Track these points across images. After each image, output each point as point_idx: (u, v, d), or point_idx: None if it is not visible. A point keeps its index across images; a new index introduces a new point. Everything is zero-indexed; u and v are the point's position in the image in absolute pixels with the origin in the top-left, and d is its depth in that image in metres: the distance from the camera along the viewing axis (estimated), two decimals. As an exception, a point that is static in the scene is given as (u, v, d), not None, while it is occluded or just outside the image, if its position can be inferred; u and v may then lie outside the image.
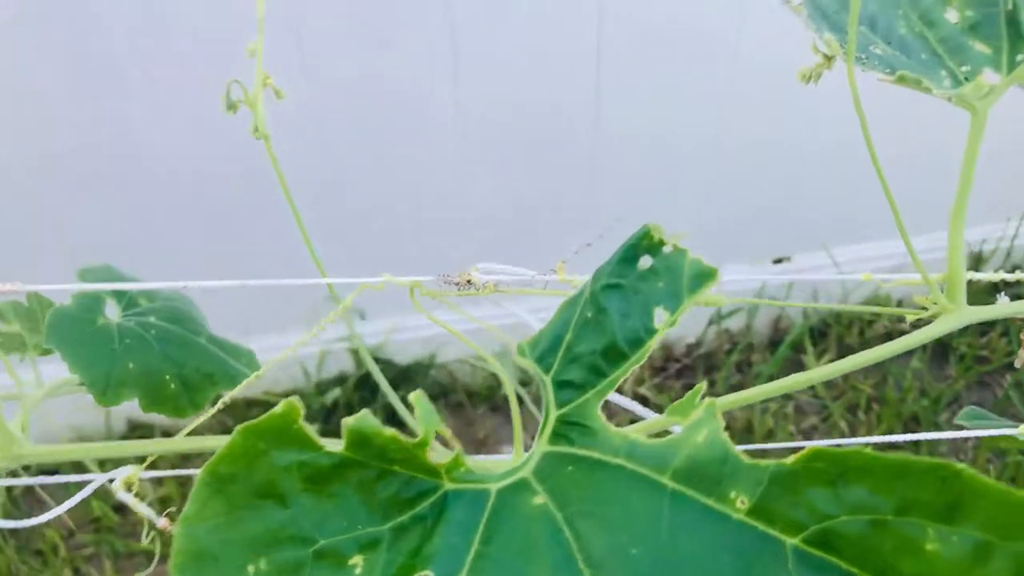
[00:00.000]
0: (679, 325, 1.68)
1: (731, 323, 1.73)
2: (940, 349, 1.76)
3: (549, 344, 0.40)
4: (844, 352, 1.74)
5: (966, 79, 0.45)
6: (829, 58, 0.44)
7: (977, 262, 1.75)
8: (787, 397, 1.70)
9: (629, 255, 0.39)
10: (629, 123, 1.46)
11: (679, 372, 1.74)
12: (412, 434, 0.38)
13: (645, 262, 0.39)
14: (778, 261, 1.69)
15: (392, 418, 1.73)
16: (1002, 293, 0.51)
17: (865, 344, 1.74)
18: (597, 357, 0.38)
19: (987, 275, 0.52)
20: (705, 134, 1.47)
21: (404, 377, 1.69)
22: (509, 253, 1.42)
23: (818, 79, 0.47)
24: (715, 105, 1.46)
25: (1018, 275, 0.53)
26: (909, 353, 1.74)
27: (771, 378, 1.71)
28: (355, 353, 1.66)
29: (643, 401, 1.71)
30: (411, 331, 1.66)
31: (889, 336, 1.76)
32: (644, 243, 0.39)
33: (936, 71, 0.45)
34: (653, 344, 0.39)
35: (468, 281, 0.51)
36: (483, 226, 1.56)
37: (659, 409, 1.68)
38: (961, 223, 0.46)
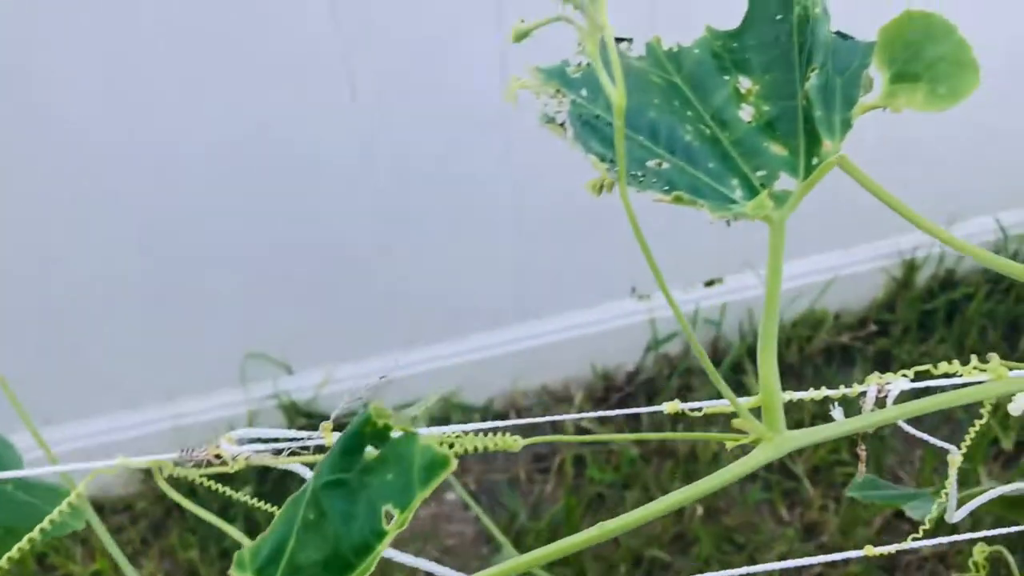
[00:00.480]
0: (618, 352, 1.63)
1: (669, 348, 1.69)
2: (881, 357, 1.72)
3: (270, 553, 0.35)
4: (784, 371, 1.70)
5: (762, 185, 0.41)
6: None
7: (911, 270, 1.71)
8: (729, 418, 1.66)
9: (352, 445, 0.35)
10: (542, 181, 1.42)
11: (621, 401, 1.70)
12: None
13: (371, 452, 0.34)
14: (710, 284, 1.65)
15: (330, 471, 1.68)
16: (835, 406, 0.47)
17: (806, 361, 1.70)
18: (319, 570, 0.34)
19: (806, 393, 0.48)
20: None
21: (339, 429, 1.64)
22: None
23: (611, 189, 0.42)
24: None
25: (824, 392, 0.49)
26: (851, 365, 1.71)
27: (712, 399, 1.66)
28: (287, 409, 1.60)
29: (584, 433, 1.66)
30: (345, 381, 1.61)
31: (828, 350, 1.72)
32: (368, 430, 0.34)
33: (727, 180, 0.40)
34: (384, 547, 0.34)
35: (217, 456, 0.46)
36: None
37: (601, 442, 1.64)
38: (772, 344, 0.41)
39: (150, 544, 1.61)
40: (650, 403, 1.69)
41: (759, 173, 0.41)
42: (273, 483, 1.62)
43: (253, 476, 1.61)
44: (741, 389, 1.69)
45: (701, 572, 1.55)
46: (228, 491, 0.62)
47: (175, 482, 1.56)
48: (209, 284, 1.46)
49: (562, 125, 0.39)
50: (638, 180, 0.39)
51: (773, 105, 0.42)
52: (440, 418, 1.68)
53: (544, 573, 0.68)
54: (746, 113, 0.43)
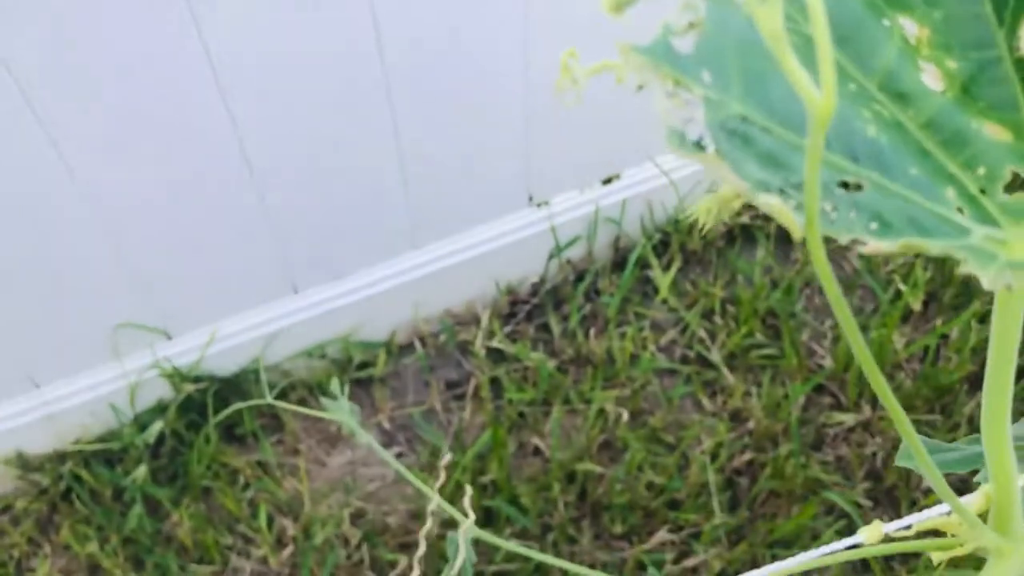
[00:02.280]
0: (520, 264, 1.48)
1: (571, 253, 1.55)
2: (782, 234, 1.63)
3: None
4: (688, 259, 1.60)
5: (982, 192, 0.26)
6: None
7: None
8: (641, 316, 1.55)
9: None
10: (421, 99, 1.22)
11: (529, 314, 1.56)
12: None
13: None
14: (608, 181, 1.51)
15: (229, 434, 1.50)
16: None
17: (709, 246, 1.60)
18: None
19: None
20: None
21: (232, 389, 1.45)
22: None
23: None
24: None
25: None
26: (754, 244, 1.62)
27: (624, 300, 1.55)
28: (171, 377, 1.40)
29: (498, 355, 1.53)
30: (229, 339, 1.41)
31: (730, 233, 1.62)
32: None
33: (937, 191, 0.25)
34: None
35: None
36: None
37: (516, 359, 1.51)
38: (1003, 423, 0.27)
39: (39, 544, 1.40)
40: (557, 310, 1.56)
41: (978, 172, 0.26)
42: (168, 458, 1.43)
43: (147, 455, 1.41)
44: (648, 284, 1.58)
45: (635, 478, 1.47)
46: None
47: (56, 473, 1.34)
48: (62, 254, 1.22)
49: (699, 144, 0.23)
50: (830, 220, 0.23)
51: (961, 59, 0.27)
52: (343, 359, 1.50)
53: None
54: (930, 77, 0.27)
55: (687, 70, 0.24)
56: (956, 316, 1.49)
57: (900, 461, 0.60)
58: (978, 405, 1.24)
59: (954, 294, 1.52)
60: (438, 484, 0.74)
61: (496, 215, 1.45)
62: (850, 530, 1.36)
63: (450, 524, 1.41)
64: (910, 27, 0.28)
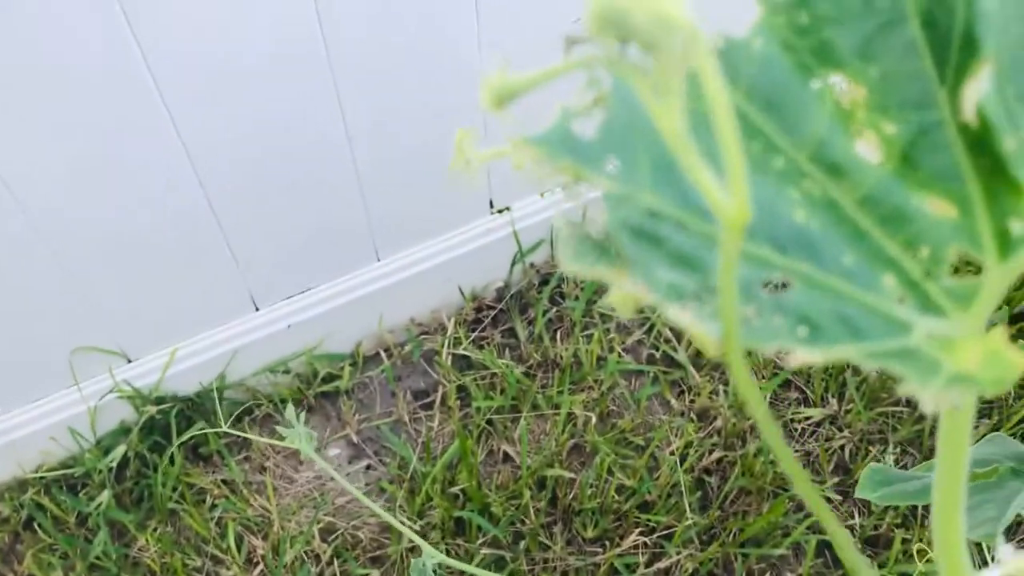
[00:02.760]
0: (483, 271, 1.45)
1: (534, 258, 1.52)
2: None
3: None
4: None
5: (927, 275, 0.23)
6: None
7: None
8: (606, 318, 1.53)
9: None
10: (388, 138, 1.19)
11: (495, 320, 1.53)
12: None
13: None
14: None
15: (195, 454, 1.46)
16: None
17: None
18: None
19: None
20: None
21: (196, 408, 1.41)
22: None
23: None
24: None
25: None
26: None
27: (589, 303, 1.53)
28: (132, 399, 1.36)
29: (465, 362, 1.50)
30: (191, 358, 1.37)
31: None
32: None
33: (875, 280, 0.22)
34: None
35: None
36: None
37: (482, 366, 1.48)
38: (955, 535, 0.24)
39: (2, 575, 1.36)
40: (523, 315, 1.53)
41: (921, 253, 0.23)
42: (132, 482, 1.39)
43: (110, 480, 1.37)
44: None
45: (606, 482, 1.44)
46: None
47: (17, 502, 1.30)
48: (12, 281, 1.18)
49: (604, 248, 0.20)
50: (752, 328, 0.20)
51: (900, 122, 0.24)
52: (308, 373, 1.47)
53: None
54: (866, 147, 0.24)
55: (589, 159, 0.21)
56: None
57: (860, 493, 0.58)
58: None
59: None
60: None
61: (457, 223, 1.42)
62: (820, 527, 1.35)
63: (422, 536, 1.38)
64: (844, 88, 0.25)
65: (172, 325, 1.33)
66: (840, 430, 1.44)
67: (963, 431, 0.22)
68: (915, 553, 1.33)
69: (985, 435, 0.58)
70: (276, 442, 0.85)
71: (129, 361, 1.34)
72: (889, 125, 0.24)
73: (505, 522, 1.37)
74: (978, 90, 0.23)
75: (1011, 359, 0.19)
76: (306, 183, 1.25)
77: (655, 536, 1.37)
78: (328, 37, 1.08)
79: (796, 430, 1.44)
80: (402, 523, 1.38)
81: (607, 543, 1.38)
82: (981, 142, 0.23)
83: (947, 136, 0.24)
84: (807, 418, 1.44)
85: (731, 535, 1.37)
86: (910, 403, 1.44)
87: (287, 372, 1.44)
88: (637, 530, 1.38)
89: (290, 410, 0.91)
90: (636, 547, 1.37)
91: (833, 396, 1.45)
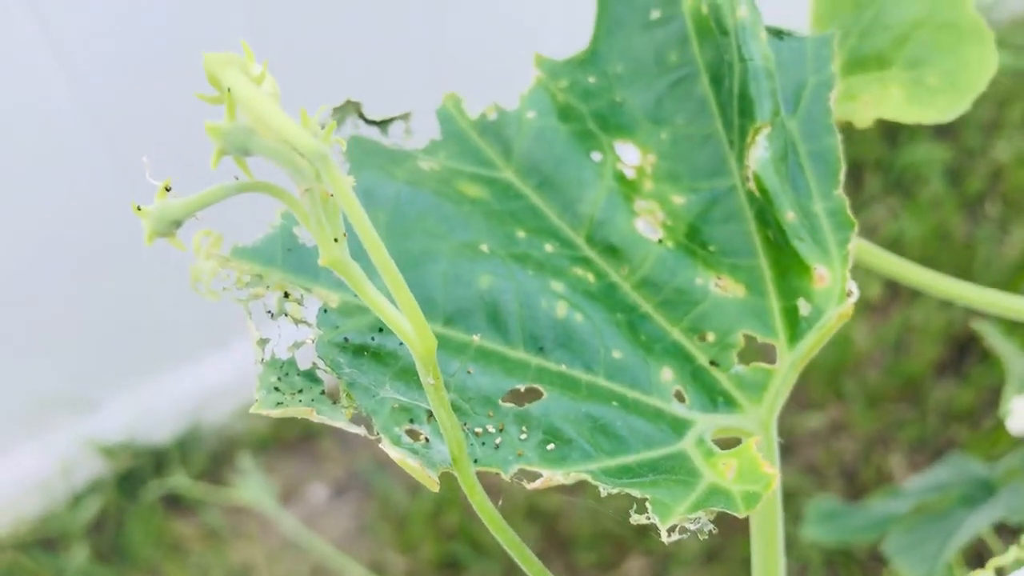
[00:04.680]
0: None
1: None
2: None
3: None
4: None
5: (714, 364, 0.21)
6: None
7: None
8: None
9: None
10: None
11: (475, 343, 1.52)
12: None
13: None
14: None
15: (173, 503, 1.45)
16: None
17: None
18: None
19: None
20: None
21: (172, 456, 1.40)
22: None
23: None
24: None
25: None
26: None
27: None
28: (105, 450, 1.35)
29: (446, 388, 1.48)
30: (162, 405, 1.37)
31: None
32: None
33: (650, 375, 0.21)
34: None
35: None
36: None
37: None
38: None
39: (-15, 640, 1.35)
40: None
41: (706, 339, 0.21)
42: (112, 535, 1.38)
43: (87, 535, 1.37)
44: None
45: (602, 506, 1.42)
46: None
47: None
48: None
49: (311, 375, 0.18)
50: (492, 446, 0.19)
51: (690, 191, 0.23)
52: (284, 412, 1.46)
53: None
54: (648, 222, 0.23)
55: (310, 271, 0.19)
56: (916, 302, 1.46)
57: (807, 531, 0.56)
58: (948, 395, 1.20)
59: (913, 280, 1.48)
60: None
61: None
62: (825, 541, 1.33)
63: (412, 575, 1.37)
64: (630, 155, 0.23)
65: (140, 373, 1.33)
66: (841, 435, 1.42)
67: (772, 533, 0.21)
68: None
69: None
70: (228, 500, 0.84)
71: (99, 412, 1.33)
72: (679, 196, 0.23)
73: (498, 556, 1.35)
74: (757, 158, 0.21)
75: (764, 473, 0.17)
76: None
77: (655, 558, 1.36)
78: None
79: (796, 439, 1.42)
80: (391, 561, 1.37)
81: (606, 569, 1.36)
82: (765, 213, 0.21)
83: (738, 204, 0.22)
84: (807, 426, 1.42)
85: (735, 551, 1.34)
86: (913, 401, 1.41)
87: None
88: (637, 553, 1.36)
89: (246, 459, 0.90)
90: (637, 571, 1.35)
91: (833, 402, 1.43)
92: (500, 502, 0.20)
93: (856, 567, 1.30)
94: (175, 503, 1.42)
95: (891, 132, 1.67)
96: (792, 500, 1.36)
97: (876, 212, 1.58)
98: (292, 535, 1.41)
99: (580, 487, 1.35)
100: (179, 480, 1.39)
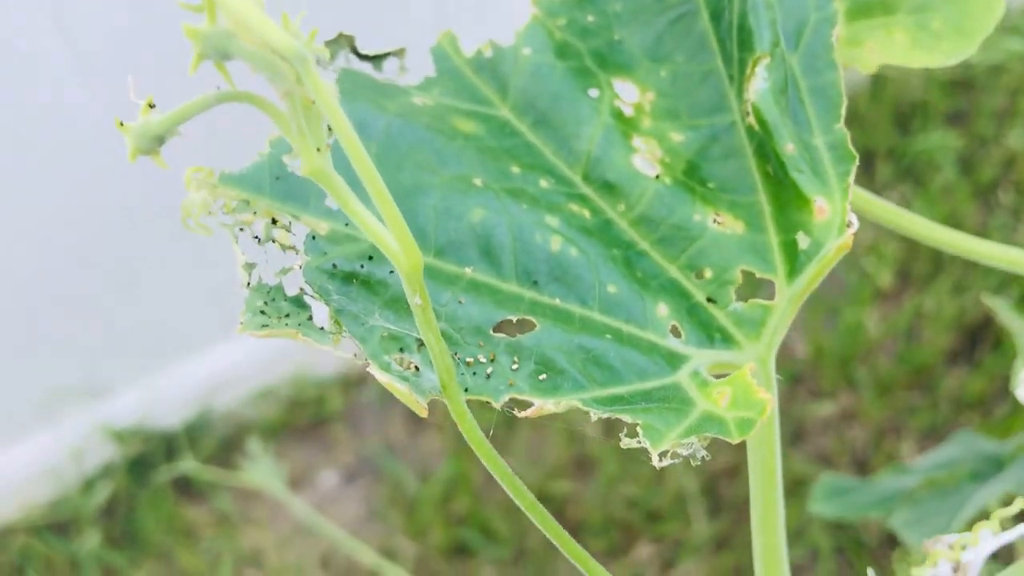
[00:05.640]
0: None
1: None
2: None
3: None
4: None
5: (711, 300, 0.21)
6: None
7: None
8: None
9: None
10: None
11: (485, 331, 1.51)
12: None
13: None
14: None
15: (184, 488, 1.45)
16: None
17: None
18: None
19: None
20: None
21: (183, 441, 1.41)
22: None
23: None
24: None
25: None
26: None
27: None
28: (117, 436, 1.36)
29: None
30: (173, 391, 1.37)
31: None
32: None
33: (646, 310, 0.20)
34: None
35: None
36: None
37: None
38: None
39: (-1, 623, 1.36)
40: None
41: (703, 275, 0.21)
42: (123, 520, 1.39)
43: (99, 520, 1.37)
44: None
45: (611, 493, 1.42)
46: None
47: (7, 548, 1.31)
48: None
49: (300, 301, 0.18)
50: (484, 376, 0.18)
51: (689, 128, 0.22)
52: (296, 399, 1.46)
53: None
54: (645, 159, 0.22)
55: (298, 198, 0.19)
56: (928, 289, 1.44)
57: (813, 507, 0.56)
58: (960, 383, 1.19)
59: (924, 266, 1.47)
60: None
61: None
62: (838, 525, 1.32)
63: (423, 558, 1.37)
64: (629, 92, 0.23)
65: (151, 359, 1.33)
66: (853, 423, 1.41)
67: (771, 464, 0.21)
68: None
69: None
70: (238, 483, 0.84)
71: (110, 398, 1.34)
72: (677, 133, 0.22)
73: (508, 540, 1.35)
74: (756, 89, 0.21)
75: (759, 399, 0.17)
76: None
77: (665, 545, 1.35)
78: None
79: (808, 426, 1.41)
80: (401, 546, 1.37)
81: (616, 556, 1.36)
82: (764, 147, 0.21)
83: (738, 141, 0.22)
84: (819, 413, 1.41)
85: (744, 539, 1.34)
86: (925, 388, 1.40)
87: (276, 398, 1.43)
88: (646, 540, 1.35)
89: (255, 444, 0.90)
90: (646, 558, 1.35)
91: (844, 389, 1.42)
92: (491, 432, 0.20)
93: (866, 553, 1.30)
94: (186, 488, 1.42)
95: (903, 120, 1.66)
96: (803, 487, 1.35)
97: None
98: (302, 520, 1.41)
99: (590, 476, 1.35)
100: (189, 465, 1.39)
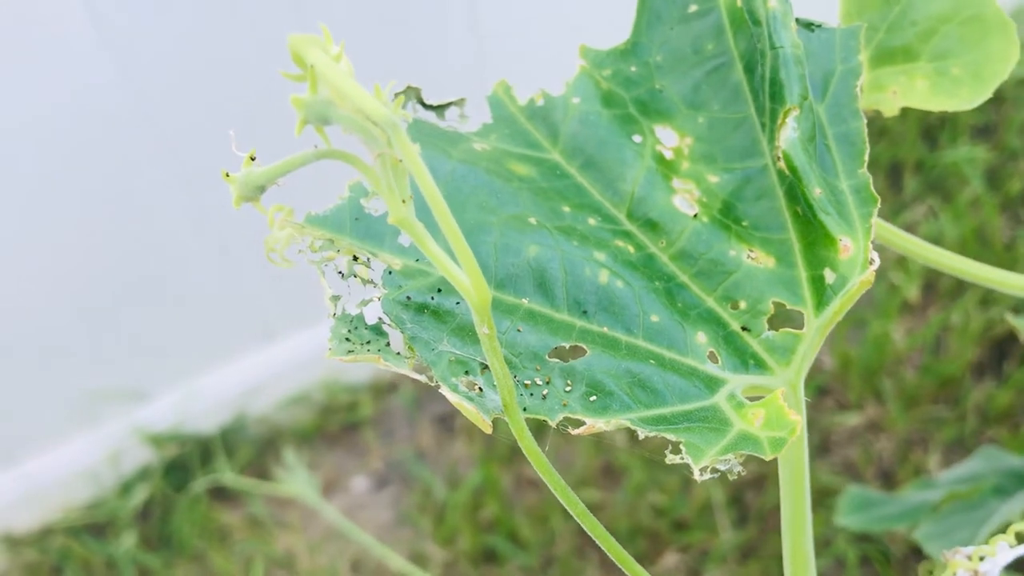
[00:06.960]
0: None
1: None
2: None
3: None
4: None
5: (746, 329, 0.23)
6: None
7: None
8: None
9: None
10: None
11: (514, 340, 1.54)
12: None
13: None
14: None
15: (219, 492, 1.49)
16: None
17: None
18: None
19: None
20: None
21: (218, 446, 1.44)
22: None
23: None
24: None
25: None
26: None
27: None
28: (154, 440, 1.39)
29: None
30: (209, 396, 1.40)
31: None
32: None
33: (685, 338, 0.22)
34: None
35: None
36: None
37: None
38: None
39: (38, 622, 1.40)
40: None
41: (738, 306, 0.23)
42: (158, 523, 1.42)
43: (135, 522, 1.41)
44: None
45: (638, 501, 1.44)
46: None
47: (44, 549, 1.34)
48: (28, 326, 1.22)
49: (378, 328, 0.20)
50: (540, 397, 0.21)
51: (724, 171, 0.24)
52: (328, 404, 1.49)
53: None
54: (685, 199, 0.24)
55: (376, 237, 0.21)
56: (954, 302, 1.45)
57: (839, 520, 0.57)
58: (987, 396, 1.20)
59: (951, 280, 1.47)
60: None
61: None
62: (864, 536, 1.33)
63: (452, 564, 1.39)
64: (669, 137, 0.25)
65: (189, 364, 1.36)
66: (879, 434, 1.42)
67: (800, 476, 0.23)
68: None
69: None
70: (272, 491, 0.86)
71: (147, 402, 1.37)
72: (713, 175, 0.24)
73: (535, 547, 1.37)
74: (786, 138, 0.23)
75: (789, 420, 0.19)
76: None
77: (691, 554, 1.36)
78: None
79: (834, 437, 1.42)
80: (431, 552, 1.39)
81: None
82: (794, 189, 0.23)
83: (769, 183, 0.24)
84: (845, 424, 1.42)
85: (771, 549, 1.35)
86: (950, 401, 1.41)
87: (308, 404, 1.46)
88: (672, 549, 1.37)
89: (289, 454, 0.92)
90: (672, 567, 1.36)
91: (870, 401, 1.43)
92: (546, 448, 0.22)
93: (892, 564, 1.30)
94: (220, 492, 1.46)
95: (931, 133, 1.67)
96: (829, 498, 1.36)
97: (915, 213, 1.58)
98: (334, 526, 1.44)
99: (618, 484, 1.36)
100: (226, 476, 1.42)
